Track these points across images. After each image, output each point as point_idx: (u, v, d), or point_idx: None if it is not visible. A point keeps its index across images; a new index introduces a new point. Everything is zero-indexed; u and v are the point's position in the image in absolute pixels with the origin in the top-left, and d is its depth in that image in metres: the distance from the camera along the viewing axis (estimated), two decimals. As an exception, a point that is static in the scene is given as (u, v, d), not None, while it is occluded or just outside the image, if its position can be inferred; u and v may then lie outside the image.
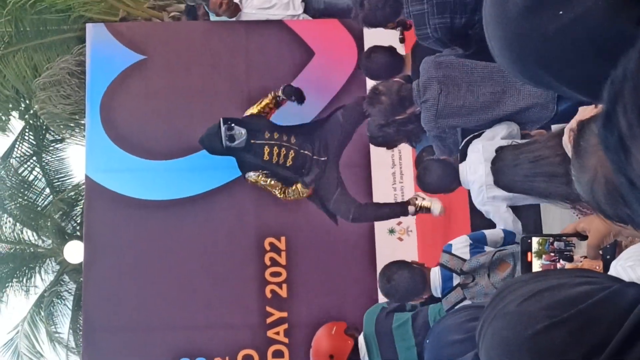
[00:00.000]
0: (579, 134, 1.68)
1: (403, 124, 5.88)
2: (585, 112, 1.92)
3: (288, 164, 7.23)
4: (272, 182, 7.25)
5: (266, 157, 7.15)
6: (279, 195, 7.31)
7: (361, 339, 5.28)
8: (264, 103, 7.22)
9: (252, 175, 7.22)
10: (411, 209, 6.99)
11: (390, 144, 6.31)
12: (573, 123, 2.02)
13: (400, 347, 5.04)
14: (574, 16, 1.19)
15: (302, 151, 7.29)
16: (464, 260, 4.68)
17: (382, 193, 7.79)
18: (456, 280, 4.68)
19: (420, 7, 4.93)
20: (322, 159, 7.41)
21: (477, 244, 4.83)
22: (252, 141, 7.09)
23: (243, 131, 7.04)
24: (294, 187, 7.32)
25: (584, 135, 1.66)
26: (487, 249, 4.82)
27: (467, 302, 4.62)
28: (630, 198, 0.97)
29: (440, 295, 4.74)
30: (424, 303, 5.13)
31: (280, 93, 7.15)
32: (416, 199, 6.96)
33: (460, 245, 4.81)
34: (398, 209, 7.25)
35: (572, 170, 1.68)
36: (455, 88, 5.04)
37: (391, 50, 6.00)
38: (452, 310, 3.61)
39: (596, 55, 1.23)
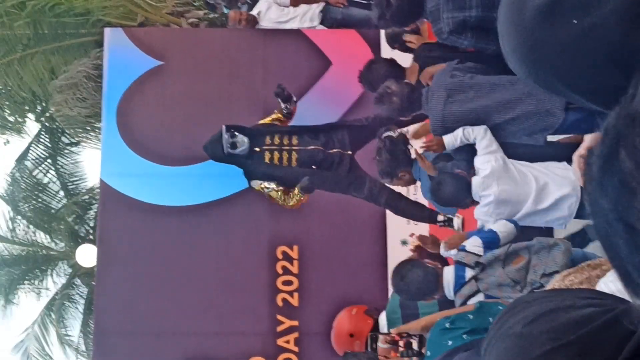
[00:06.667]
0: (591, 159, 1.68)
1: (393, 149, 5.88)
2: (592, 139, 1.92)
3: (293, 165, 7.26)
4: (274, 189, 7.27)
5: (267, 161, 7.19)
6: (279, 202, 7.34)
7: (382, 315, 5.39)
8: (273, 117, 7.28)
9: (255, 183, 7.26)
10: (440, 217, 7.01)
11: (396, 168, 6.18)
12: (582, 150, 2.02)
13: (422, 308, 5.30)
14: (588, 26, 1.19)
15: (308, 148, 7.30)
16: (479, 255, 4.70)
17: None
18: (469, 273, 4.69)
19: (436, 2, 4.97)
20: (348, 152, 7.42)
21: (490, 245, 4.86)
22: (255, 149, 7.14)
23: (245, 139, 7.08)
24: (292, 193, 7.34)
25: None
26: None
27: (479, 297, 4.62)
28: (629, 245, 0.89)
29: (452, 295, 4.74)
30: None
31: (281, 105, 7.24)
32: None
33: (473, 246, 4.83)
34: (427, 214, 7.27)
35: (585, 196, 1.68)
36: (463, 95, 5.08)
37: (392, 62, 6.03)
38: (440, 358, 3.58)
39: (610, 67, 1.22)
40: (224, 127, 7.12)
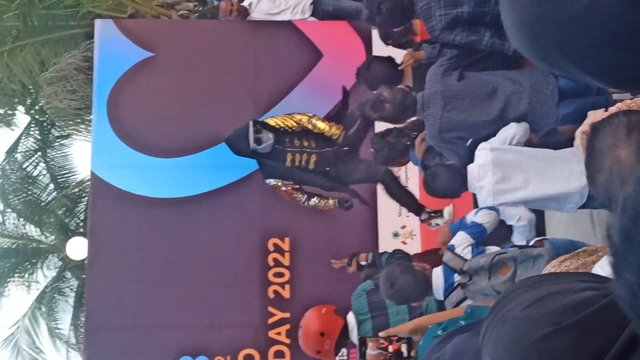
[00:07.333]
0: (593, 135, 1.68)
1: (402, 133, 5.92)
2: (595, 115, 1.91)
3: (310, 168, 7.25)
4: (293, 190, 7.27)
5: (288, 163, 7.17)
6: (302, 202, 7.33)
7: (350, 315, 5.40)
8: (291, 123, 7.25)
9: (272, 182, 7.25)
10: (425, 215, 7.01)
11: (395, 158, 6.23)
12: (585, 126, 2.01)
13: (392, 314, 5.33)
14: (589, 2, 1.18)
15: (323, 151, 7.29)
16: (465, 260, 4.70)
17: (387, 201, 7.76)
18: (457, 278, 4.69)
19: (427, 1, 4.97)
20: (345, 149, 7.40)
21: (478, 238, 4.86)
22: (277, 147, 7.11)
23: (271, 135, 7.05)
24: (321, 200, 7.36)
25: (597, 137, 1.65)
26: (488, 250, 4.84)
27: (469, 302, 4.63)
28: None
29: (442, 298, 4.75)
30: None
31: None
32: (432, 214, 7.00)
33: (463, 244, 4.82)
34: (415, 205, 7.25)
35: (586, 172, 1.67)
36: (459, 102, 5.06)
37: (390, 60, 6.02)
38: (436, 342, 3.57)
39: (612, 43, 1.21)
40: (250, 122, 7.11)
